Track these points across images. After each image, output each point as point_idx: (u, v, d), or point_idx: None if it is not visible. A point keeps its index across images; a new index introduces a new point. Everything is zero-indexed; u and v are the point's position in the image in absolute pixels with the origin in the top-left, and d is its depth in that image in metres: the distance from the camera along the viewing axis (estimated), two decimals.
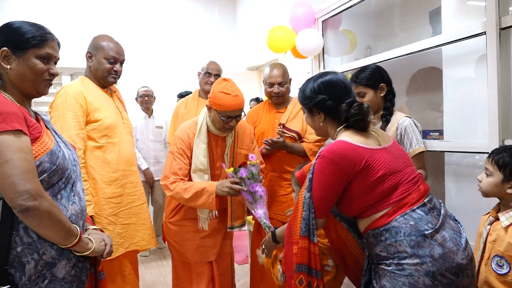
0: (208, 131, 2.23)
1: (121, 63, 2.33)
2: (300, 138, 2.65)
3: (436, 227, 1.38)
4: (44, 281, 1.23)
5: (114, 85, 2.43)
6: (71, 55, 3.89)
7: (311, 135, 2.59)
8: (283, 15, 3.74)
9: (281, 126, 2.62)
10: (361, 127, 1.51)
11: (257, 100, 4.68)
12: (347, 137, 1.47)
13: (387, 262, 1.39)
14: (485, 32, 1.92)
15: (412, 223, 1.38)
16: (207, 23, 5.78)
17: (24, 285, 1.20)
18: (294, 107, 2.68)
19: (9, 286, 1.16)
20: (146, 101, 4.35)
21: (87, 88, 2.23)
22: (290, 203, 2.55)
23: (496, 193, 1.59)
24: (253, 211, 2.08)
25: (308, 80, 1.62)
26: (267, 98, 2.80)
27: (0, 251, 1.17)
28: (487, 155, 1.63)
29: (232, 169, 2.09)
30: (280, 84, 2.63)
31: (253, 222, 3.54)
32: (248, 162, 2.09)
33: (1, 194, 1.17)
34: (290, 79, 2.73)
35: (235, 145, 2.30)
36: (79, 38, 4.56)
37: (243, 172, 2.04)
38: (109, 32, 2.39)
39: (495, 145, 1.86)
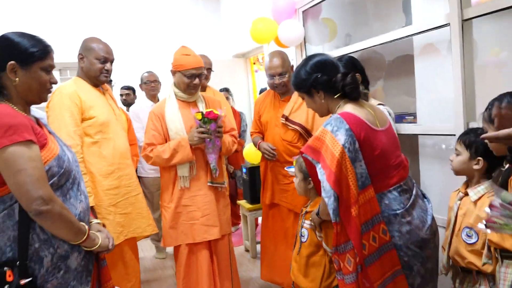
0: (178, 99, 2.46)
1: (111, 62, 2.46)
2: (305, 130, 2.63)
3: (406, 207, 1.58)
4: (60, 271, 1.36)
5: (106, 84, 2.56)
6: (58, 51, 3.94)
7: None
8: (265, 4, 3.83)
9: (285, 118, 2.66)
10: (357, 96, 1.65)
11: (227, 90, 4.62)
12: (351, 109, 1.60)
13: None
14: (449, 23, 2.07)
15: (386, 202, 1.57)
16: (190, 12, 5.82)
17: (42, 276, 1.32)
18: (299, 97, 2.74)
19: (30, 278, 1.29)
20: (152, 87, 3.88)
21: (80, 87, 2.36)
22: (292, 191, 2.64)
23: (465, 170, 1.74)
24: (208, 154, 2.39)
25: (298, 67, 1.74)
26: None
27: (20, 248, 1.29)
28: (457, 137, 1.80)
29: (200, 115, 2.30)
30: (280, 74, 2.62)
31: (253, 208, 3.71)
32: (216, 113, 2.31)
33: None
34: (292, 66, 2.69)
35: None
36: (66, 34, 4.64)
37: (213, 126, 2.31)
38: (92, 26, 2.53)
39: (460, 128, 2.03)
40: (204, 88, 3.17)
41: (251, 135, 3.02)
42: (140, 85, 4.03)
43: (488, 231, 1.16)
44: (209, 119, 2.30)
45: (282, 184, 2.75)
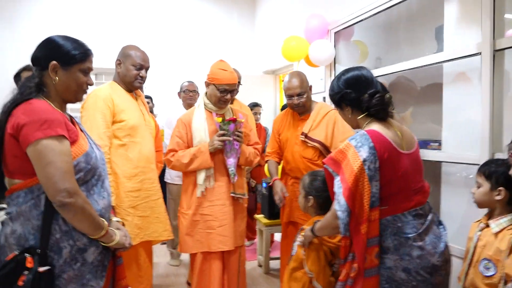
0: (207, 109, 2.53)
1: (146, 69, 2.56)
2: (324, 147, 2.65)
3: (419, 231, 1.56)
4: (77, 263, 1.41)
5: (139, 90, 2.66)
6: (96, 57, 4.10)
7: (342, 143, 2.65)
8: (299, 23, 3.89)
9: (304, 136, 2.68)
10: (384, 116, 1.65)
11: (256, 104, 4.65)
12: (378, 128, 1.60)
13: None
14: (480, 52, 2.06)
15: (399, 224, 1.56)
16: (226, 27, 5.96)
17: (60, 266, 1.37)
18: (318, 114, 2.70)
19: (49, 267, 1.34)
20: (190, 97, 3.88)
21: (115, 91, 2.46)
22: None
23: (487, 202, 1.72)
24: (226, 158, 2.45)
25: (334, 79, 1.77)
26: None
27: (42, 237, 1.35)
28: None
29: (220, 119, 2.39)
30: (298, 95, 2.65)
31: (269, 223, 3.70)
32: (237, 119, 2.40)
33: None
34: (311, 86, 2.74)
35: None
36: (105, 41, 4.84)
37: (232, 127, 2.37)
38: (130, 35, 2.64)
39: (485, 157, 2.00)
40: (231, 101, 3.24)
41: (266, 155, 2.99)
42: (179, 93, 4.06)
43: None
44: (228, 121, 2.37)
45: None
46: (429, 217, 1.63)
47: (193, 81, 4.05)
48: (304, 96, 2.67)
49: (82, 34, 1.62)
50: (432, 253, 1.56)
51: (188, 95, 3.91)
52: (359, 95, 1.65)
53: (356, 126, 1.76)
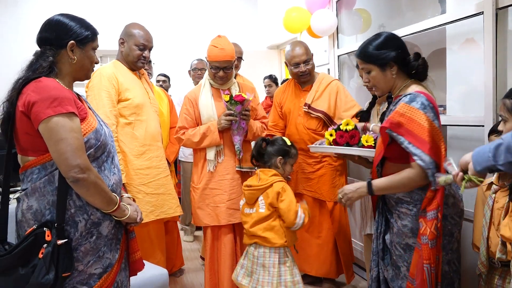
0: (212, 86, 2.54)
1: (149, 49, 2.57)
2: (327, 117, 2.67)
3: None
4: (92, 237, 1.46)
5: (143, 69, 2.68)
6: (101, 39, 4.12)
7: (346, 113, 2.62)
8: None
9: (307, 107, 2.70)
10: (422, 79, 1.75)
11: (271, 77, 4.68)
12: (422, 89, 1.69)
13: (409, 206, 1.71)
14: (482, 12, 2.03)
15: None
16: (228, 1, 5.91)
17: (77, 239, 1.43)
18: (320, 84, 2.71)
19: (66, 240, 1.39)
20: (199, 75, 3.83)
21: (118, 70, 2.49)
22: (317, 179, 2.71)
23: None
24: (233, 136, 2.47)
25: (373, 39, 1.78)
26: (288, 77, 2.83)
27: (58, 212, 1.40)
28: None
29: (228, 97, 2.38)
30: (305, 62, 2.66)
31: None
32: (244, 96, 2.37)
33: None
34: (312, 55, 2.74)
35: None
36: (108, 23, 4.83)
37: (239, 108, 2.37)
38: (135, 16, 2.63)
39: (490, 119, 1.99)
40: (234, 76, 3.23)
41: (268, 129, 2.87)
42: (189, 71, 4.05)
43: None
44: (236, 101, 2.36)
45: (306, 173, 2.78)
46: None
47: (203, 59, 3.93)
48: (310, 62, 2.68)
49: (87, 15, 1.64)
50: (459, 200, 1.78)
51: (197, 73, 3.88)
52: (407, 55, 1.73)
53: (388, 89, 1.80)
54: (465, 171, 1.32)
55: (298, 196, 2.84)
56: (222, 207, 2.50)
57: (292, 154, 2.20)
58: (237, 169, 2.53)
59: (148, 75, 2.98)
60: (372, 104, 2.49)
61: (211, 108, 2.50)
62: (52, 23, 1.50)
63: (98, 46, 1.59)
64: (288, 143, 2.21)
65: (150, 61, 3.40)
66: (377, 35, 1.78)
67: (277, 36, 5.22)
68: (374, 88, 1.87)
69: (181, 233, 4.21)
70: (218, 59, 2.41)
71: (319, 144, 2.30)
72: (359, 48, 1.81)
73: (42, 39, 1.49)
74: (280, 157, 2.16)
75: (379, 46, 1.73)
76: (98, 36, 1.59)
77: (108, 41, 3.20)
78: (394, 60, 1.72)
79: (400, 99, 1.70)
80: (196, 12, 5.75)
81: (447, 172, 1.45)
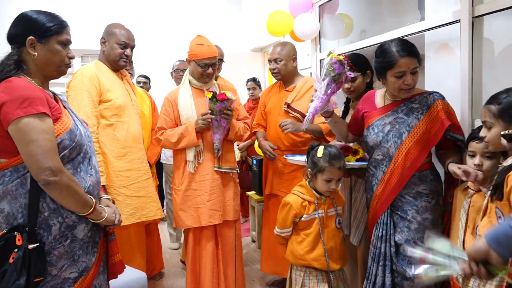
0: (192, 86, 2.53)
1: (132, 48, 2.55)
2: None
3: None
4: (67, 240, 1.43)
5: (125, 70, 2.65)
6: (82, 38, 4.06)
7: (321, 118, 2.63)
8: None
9: (286, 106, 2.73)
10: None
11: (254, 80, 4.69)
12: None
13: (428, 199, 1.87)
14: (459, 20, 2.07)
15: None
16: (213, 5, 5.89)
17: (50, 243, 1.40)
18: (303, 86, 2.74)
19: (38, 244, 1.36)
20: (181, 75, 3.72)
21: (100, 70, 2.46)
22: (294, 180, 2.68)
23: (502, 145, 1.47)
24: (213, 134, 2.46)
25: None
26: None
27: (30, 215, 1.37)
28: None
29: (211, 94, 2.37)
30: (275, 60, 2.73)
31: (261, 199, 3.75)
32: (226, 94, 2.36)
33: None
34: (295, 57, 2.79)
35: None
36: (90, 22, 4.78)
37: (219, 106, 2.36)
38: (117, 16, 2.60)
39: (465, 124, 2.04)
40: (215, 78, 3.23)
41: (252, 127, 2.99)
42: (171, 72, 4.08)
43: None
44: (217, 100, 2.35)
45: (281, 174, 2.79)
46: None
47: (184, 60, 4.00)
48: (281, 63, 2.73)
49: (69, 15, 1.59)
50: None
51: (179, 74, 3.87)
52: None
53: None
54: (481, 261, 1.12)
55: (275, 197, 2.85)
56: (203, 208, 2.49)
57: None
58: (215, 169, 2.51)
59: (129, 75, 2.95)
60: (347, 106, 2.61)
61: (190, 108, 2.49)
62: (17, 19, 1.47)
63: (67, 39, 1.50)
64: None
65: (131, 61, 3.38)
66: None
67: (260, 39, 5.23)
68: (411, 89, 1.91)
69: (169, 239, 4.05)
70: (208, 56, 2.43)
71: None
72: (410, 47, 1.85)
73: (9, 37, 1.46)
74: None
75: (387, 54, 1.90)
76: (69, 29, 1.51)
77: (90, 41, 3.16)
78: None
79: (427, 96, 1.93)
80: (180, 14, 5.72)
81: (430, 262, 1.18)
